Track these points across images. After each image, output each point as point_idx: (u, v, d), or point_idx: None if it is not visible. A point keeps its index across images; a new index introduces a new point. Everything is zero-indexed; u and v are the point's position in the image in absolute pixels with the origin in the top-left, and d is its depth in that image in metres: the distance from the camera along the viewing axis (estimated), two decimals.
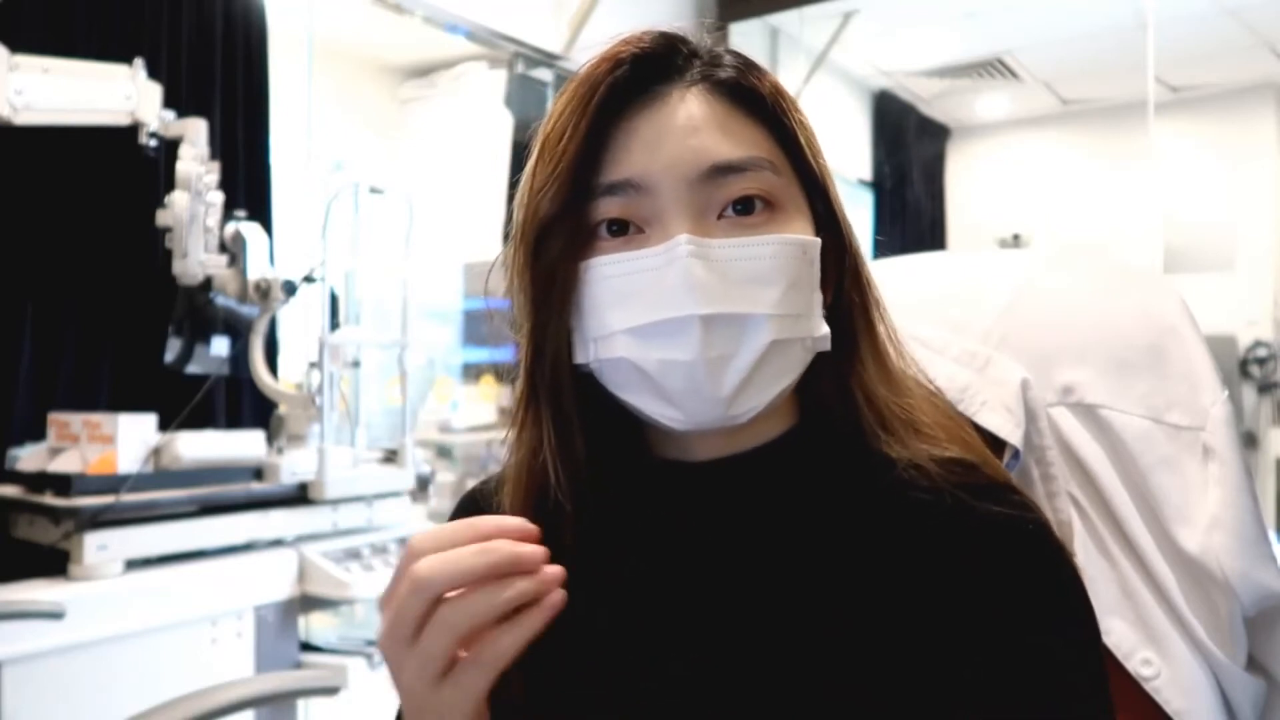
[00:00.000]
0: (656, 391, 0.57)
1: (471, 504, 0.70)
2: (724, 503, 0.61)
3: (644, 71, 0.57)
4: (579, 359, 0.59)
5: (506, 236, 0.62)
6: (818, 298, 0.58)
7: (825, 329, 0.58)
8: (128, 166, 2.20)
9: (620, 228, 0.57)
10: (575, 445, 0.60)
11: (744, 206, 0.56)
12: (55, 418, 1.94)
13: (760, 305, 0.55)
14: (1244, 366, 4.21)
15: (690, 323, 0.54)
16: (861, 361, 0.60)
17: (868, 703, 0.55)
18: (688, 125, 0.56)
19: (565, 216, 0.56)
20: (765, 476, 0.61)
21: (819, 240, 0.59)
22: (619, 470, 0.63)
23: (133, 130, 2.08)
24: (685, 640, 0.59)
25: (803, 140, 0.59)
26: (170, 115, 2.14)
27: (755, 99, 0.58)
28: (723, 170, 0.56)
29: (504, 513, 0.62)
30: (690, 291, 0.54)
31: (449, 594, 0.50)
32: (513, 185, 0.61)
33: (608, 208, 0.56)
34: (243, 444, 2.09)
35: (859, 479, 0.60)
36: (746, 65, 0.60)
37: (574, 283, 0.57)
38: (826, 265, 0.60)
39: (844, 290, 0.61)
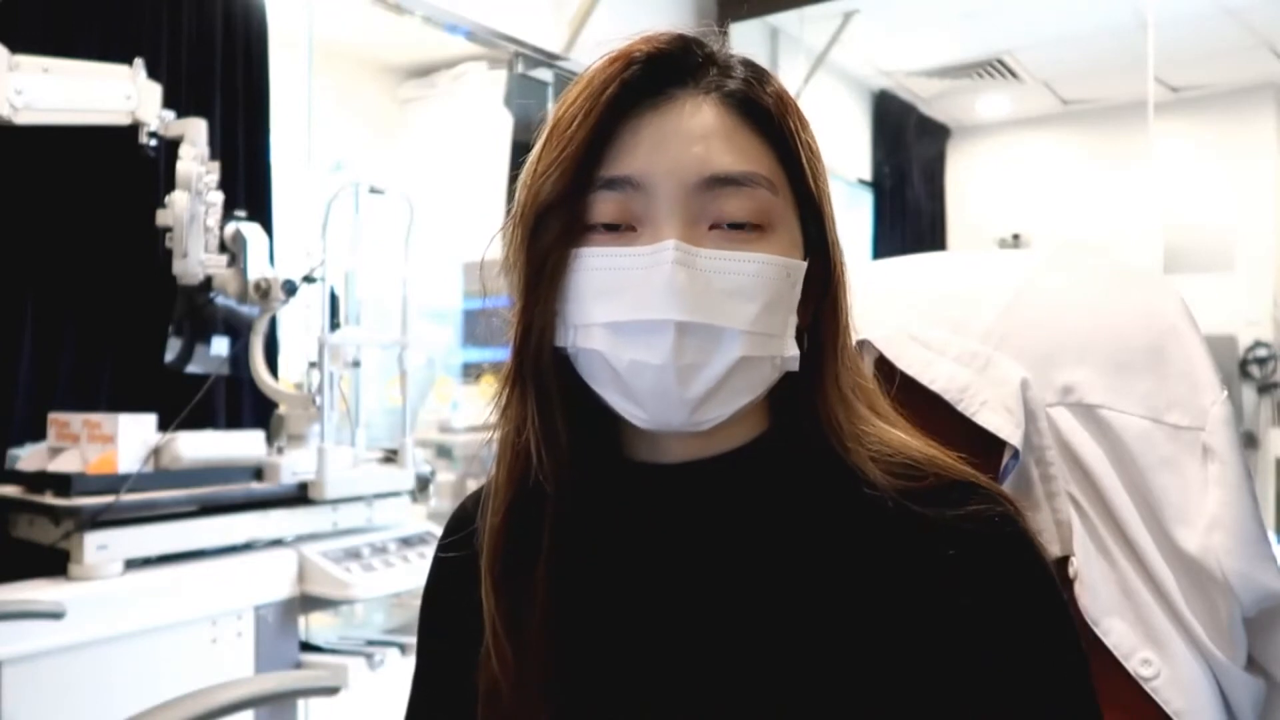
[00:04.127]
0: (624, 390, 0.58)
1: (464, 517, 0.70)
2: (694, 506, 0.62)
3: (657, 72, 0.58)
4: (559, 342, 0.60)
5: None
6: (793, 320, 0.59)
7: (795, 350, 0.59)
8: (128, 166, 2.20)
9: (615, 223, 0.57)
10: (558, 426, 0.61)
11: (736, 222, 0.57)
12: (55, 417, 1.94)
13: (736, 320, 0.56)
14: (1244, 366, 4.21)
15: (666, 327, 0.55)
16: (824, 387, 0.61)
17: (837, 705, 0.56)
18: (694, 132, 0.57)
19: (564, 203, 0.57)
20: (736, 481, 0.62)
21: (804, 264, 0.59)
22: (593, 468, 0.63)
23: (133, 130, 2.08)
24: (653, 640, 0.60)
25: (805, 162, 0.59)
26: (170, 115, 2.14)
27: (764, 115, 0.58)
28: (721, 181, 0.56)
29: (495, 494, 0.64)
30: (671, 296, 0.54)
31: None
32: (512, 184, 0.62)
33: (604, 201, 0.57)
34: (243, 444, 2.09)
35: (830, 484, 0.61)
36: (758, 77, 0.60)
37: (564, 269, 0.58)
38: (809, 287, 0.60)
39: (821, 314, 0.62)
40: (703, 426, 0.58)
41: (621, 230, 0.57)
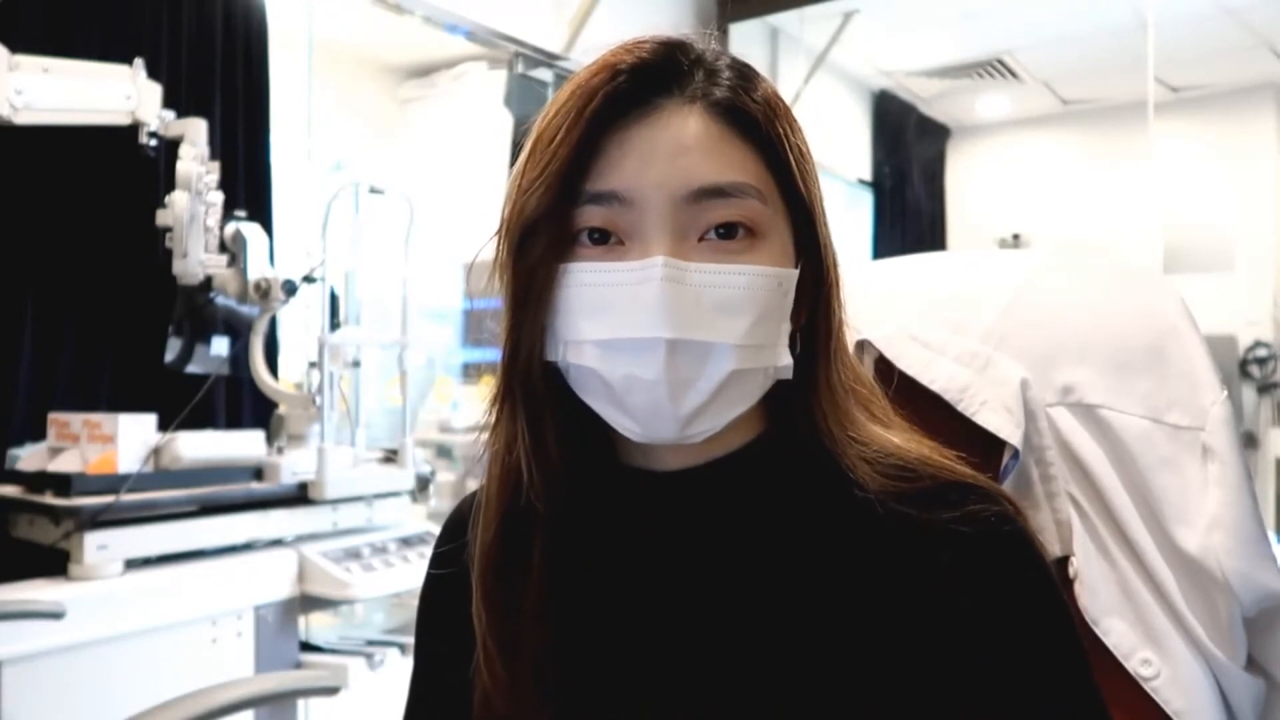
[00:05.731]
0: (617, 404, 0.57)
1: (460, 520, 0.70)
2: (690, 512, 0.62)
3: (641, 82, 0.57)
4: (549, 356, 0.60)
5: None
6: (785, 328, 0.59)
7: (788, 359, 0.59)
8: (128, 166, 2.20)
9: (601, 236, 0.57)
10: (548, 443, 0.61)
11: (726, 231, 0.56)
12: (55, 417, 1.94)
13: (727, 334, 0.55)
14: (1244, 366, 4.21)
15: (657, 345, 0.54)
16: (818, 390, 0.61)
17: (837, 708, 0.56)
18: (680, 144, 0.56)
19: (549, 219, 0.56)
20: (732, 486, 0.62)
21: (795, 272, 0.59)
22: (588, 477, 0.63)
23: (133, 130, 2.08)
24: (651, 647, 0.60)
25: (795, 167, 0.58)
26: (170, 115, 2.14)
27: (751, 122, 0.58)
28: (709, 193, 0.55)
29: (485, 509, 0.64)
30: (661, 314, 0.54)
31: None
32: None
33: (591, 215, 0.56)
34: (243, 444, 2.09)
35: (826, 487, 0.60)
36: (745, 82, 0.59)
37: (552, 284, 0.58)
38: (802, 289, 0.60)
39: (815, 317, 0.61)
40: (695, 440, 0.58)
41: (610, 244, 0.57)
